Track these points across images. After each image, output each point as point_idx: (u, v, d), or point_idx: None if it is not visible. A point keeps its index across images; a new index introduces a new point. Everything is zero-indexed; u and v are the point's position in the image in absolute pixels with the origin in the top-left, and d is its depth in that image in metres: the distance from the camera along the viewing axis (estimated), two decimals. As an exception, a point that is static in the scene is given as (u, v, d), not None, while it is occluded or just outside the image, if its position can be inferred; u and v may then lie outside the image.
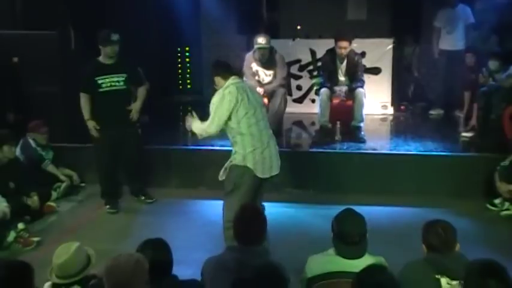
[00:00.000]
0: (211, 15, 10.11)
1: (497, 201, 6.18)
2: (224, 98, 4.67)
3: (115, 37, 6.06)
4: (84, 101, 6.17)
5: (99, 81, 6.11)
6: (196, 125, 4.99)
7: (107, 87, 6.13)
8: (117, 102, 6.23)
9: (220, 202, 6.25)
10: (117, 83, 6.18)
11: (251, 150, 4.71)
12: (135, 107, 6.44)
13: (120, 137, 6.27)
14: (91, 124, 6.16)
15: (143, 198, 6.67)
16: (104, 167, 6.42)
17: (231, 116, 4.67)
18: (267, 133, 4.89)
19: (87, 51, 6.54)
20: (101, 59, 6.18)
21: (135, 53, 8.93)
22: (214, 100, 4.75)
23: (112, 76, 6.15)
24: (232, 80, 4.79)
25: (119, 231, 5.86)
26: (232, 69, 5.01)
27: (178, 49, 10.93)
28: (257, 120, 4.77)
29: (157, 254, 3.08)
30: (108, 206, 6.43)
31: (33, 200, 6.10)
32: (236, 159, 4.79)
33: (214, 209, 6.25)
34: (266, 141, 4.80)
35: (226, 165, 4.93)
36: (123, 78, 6.21)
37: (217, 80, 4.86)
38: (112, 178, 6.51)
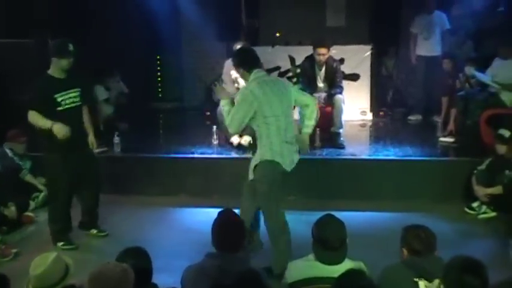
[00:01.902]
0: (191, 22, 10.10)
1: (475, 204, 6.25)
2: (246, 98, 4.50)
3: (72, 48, 5.29)
4: (35, 115, 5.22)
5: (59, 99, 5.29)
6: (225, 108, 4.71)
7: (66, 104, 5.34)
8: (77, 121, 5.49)
9: (201, 209, 6.32)
10: (75, 99, 5.42)
11: (278, 143, 4.59)
12: (92, 140, 5.70)
13: (81, 161, 5.55)
14: (59, 125, 5.15)
15: (95, 232, 5.89)
16: (64, 198, 5.58)
17: (255, 114, 4.53)
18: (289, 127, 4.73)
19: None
20: (53, 73, 5.36)
21: (115, 61, 8.97)
22: (238, 98, 4.59)
23: (69, 92, 5.36)
24: (255, 74, 4.64)
25: (98, 241, 5.81)
26: (256, 59, 4.82)
27: (158, 56, 10.92)
28: (279, 115, 4.59)
29: (137, 262, 3.07)
30: (62, 243, 5.58)
31: (11, 211, 6.03)
32: (263, 154, 4.64)
33: (195, 216, 6.30)
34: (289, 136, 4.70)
35: (253, 163, 4.74)
36: (78, 93, 5.46)
37: (240, 71, 4.73)
38: (69, 212, 5.70)
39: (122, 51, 9.00)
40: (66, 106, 5.35)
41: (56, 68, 5.34)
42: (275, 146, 4.57)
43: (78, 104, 5.48)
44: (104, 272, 2.70)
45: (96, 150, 6.11)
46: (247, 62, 4.71)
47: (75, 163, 5.46)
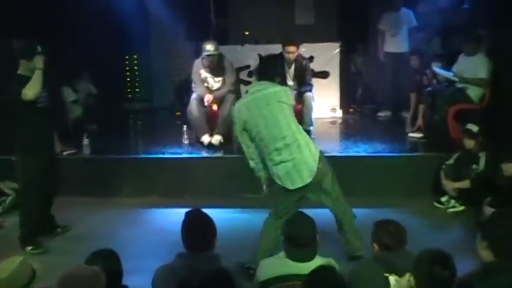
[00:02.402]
0: (160, 22, 10.05)
1: (443, 199, 6.33)
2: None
3: (40, 49, 5.24)
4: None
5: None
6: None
7: (41, 104, 5.32)
8: (50, 121, 5.58)
9: (173, 210, 6.28)
10: (47, 100, 5.42)
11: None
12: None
13: (51, 162, 5.61)
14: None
15: (59, 230, 5.93)
16: (38, 201, 5.56)
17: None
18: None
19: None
20: (24, 72, 5.28)
21: (84, 62, 8.87)
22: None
23: (43, 92, 5.31)
24: (253, 89, 4.78)
25: (68, 243, 5.73)
26: (266, 72, 4.90)
27: (127, 57, 10.83)
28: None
29: (106, 264, 3.04)
30: (31, 247, 5.50)
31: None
32: (317, 155, 4.65)
33: (167, 216, 6.26)
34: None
35: (316, 167, 4.59)
36: (48, 94, 5.48)
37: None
38: (41, 215, 5.68)
39: (90, 52, 8.90)
40: (40, 105, 5.32)
41: (25, 69, 5.28)
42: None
43: (48, 104, 5.46)
44: (74, 275, 2.67)
45: (65, 152, 6.05)
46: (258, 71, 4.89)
47: (47, 164, 5.47)
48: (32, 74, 5.22)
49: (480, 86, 7.17)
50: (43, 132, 5.45)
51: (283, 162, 4.52)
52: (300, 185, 4.51)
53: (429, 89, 7.81)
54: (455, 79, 7.32)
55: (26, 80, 5.22)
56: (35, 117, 5.30)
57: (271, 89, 4.67)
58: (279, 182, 4.55)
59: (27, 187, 5.58)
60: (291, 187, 4.52)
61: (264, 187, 4.83)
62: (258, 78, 4.79)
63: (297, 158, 4.51)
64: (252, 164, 4.77)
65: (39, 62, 5.20)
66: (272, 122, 4.55)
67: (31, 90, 5.13)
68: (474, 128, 6.20)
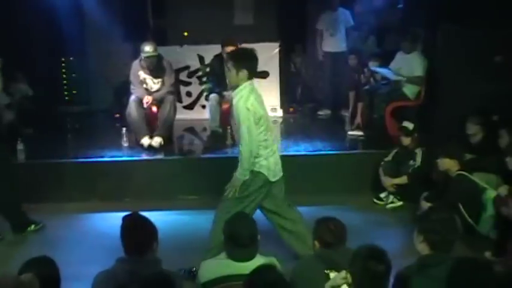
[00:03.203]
0: (96, 23, 9.84)
1: (382, 195, 6.46)
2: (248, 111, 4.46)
3: None
4: None
5: None
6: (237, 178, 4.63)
7: None
8: None
9: (113, 214, 6.16)
10: None
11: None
12: None
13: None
14: None
15: (33, 227, 5.94)
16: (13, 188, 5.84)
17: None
18: None
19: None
20: None
21: (17, 63, 8.59)
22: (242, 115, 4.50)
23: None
24: (250, 85, 4.61)
25: (5, 250, 5.55)
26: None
27: (63, 59, 10.57)
28: None
29: (42, 271, 2.94)
30: (33, 226, 5.90)
31: None
32: None
33: (107, 221, 6.13)
34: None
35: None
36: None
37: (240, 72, 4.53)
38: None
39: (25, 53, 8.66)
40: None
41: None
42: None
43: None
44: None
45: None
46: (254, 69, 4.65)
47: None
48: None
49: (416, 83, 7.36)
50: None
51: (274, 154, 4.72)
52: (278, 178, 4.75)
53: (367, 87, 7.97)
54: (394, 77, 7.46)
55: None
56: None
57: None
58: (266, 173, 4.62)
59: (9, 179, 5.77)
60: (272, 179, 4.68)
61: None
62: (253, 75, 4.64)
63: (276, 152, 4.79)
64: (251, 158, 4.58)
65: None
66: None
67: None
68: (410, 126, 6.35)
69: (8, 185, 5.77)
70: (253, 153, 4.51)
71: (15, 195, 5.86)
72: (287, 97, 9.68)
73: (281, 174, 4.81)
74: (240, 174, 4.57)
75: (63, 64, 10.54)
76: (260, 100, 4.65)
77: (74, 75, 10.60)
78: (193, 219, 6.22)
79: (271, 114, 9.09)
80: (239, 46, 7.48)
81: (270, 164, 4.65)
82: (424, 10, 7.76)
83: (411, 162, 6.27)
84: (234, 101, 4.60)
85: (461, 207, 5.13)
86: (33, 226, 5.92)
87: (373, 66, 7.91)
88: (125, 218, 3.40)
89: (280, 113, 9.30)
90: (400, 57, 7.52)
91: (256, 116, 4.46)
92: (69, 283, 3.24)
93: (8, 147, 5.69)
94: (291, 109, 9.68)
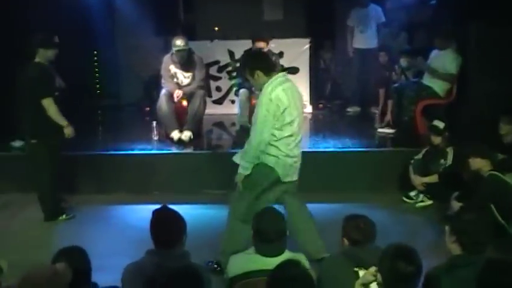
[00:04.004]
0: (127, 18, 9.92)
1: (412, 193, 6.40)
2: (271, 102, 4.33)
3: (57, 40, 5.79)
4: (52, 105, 5.74)
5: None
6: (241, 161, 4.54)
7: (57, 91, 5.83)
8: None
9: (141, 206, 6.23)
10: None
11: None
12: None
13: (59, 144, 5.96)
14: (70, 129, 5.86)
15: (64, 216, 6.11)
16: (55, 179, 5.99)
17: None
18: None
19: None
20: (43, 61, 5.77)
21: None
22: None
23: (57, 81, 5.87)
24: (276, 78, 4.46)
25: (35, 240, 5.63)
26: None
27: (95, 52, 10.69)
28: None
29: (74, 262, 2.99)
30: (64, 215, 6.09)
31: None
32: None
33: (135, 213, 6.20)
34: None
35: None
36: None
37: (256, 75, 4.49)
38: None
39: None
40: (57, 93, 5.83)
41: (43, 58, 5.73)
42: None
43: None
44: (32, 275, 2.65)
45: None
46: (265, 65, 4.57)
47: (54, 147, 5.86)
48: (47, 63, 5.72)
49: (448, 81, 7.25)
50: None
51: (295, 156, 4.60)
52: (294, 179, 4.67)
53: (396, 85, 7.88)
54: (424, 68, 7.35)
55: (47, 67, 5.77)
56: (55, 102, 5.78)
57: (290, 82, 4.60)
58: (279, 171, 4.53)
59: (44, 169, 5.93)
60: (288, 179, 4.61)
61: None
62: (269, 71, 4.52)
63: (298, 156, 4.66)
64: (257, 151, 4.47)
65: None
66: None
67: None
68: (440, 125, 6.27)
69: (51, 175, 5.92)
70: (261, 145, 4.39)
71: (54, 184, 6.00)
72: (316, 93, 9.66)
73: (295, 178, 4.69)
74: (243, 169, 4.49)
75: (95, 58, 10.67)
76: (291, 93, 4.45)
77: (105, 68, 10.72)
78: (220, 213, 6.22)
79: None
80: (269, 42, 7.51)
81: (287, 164, 4.55)
82: (456, 7, 7.65)
83: (442, 161, 6.19)
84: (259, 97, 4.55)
85: (493, 207, 5.04)
86: (64, 216, 6.07)
87: (403, 63, 7.82)
88: (155, 212, 3.42)
89: (309, 109, 9.27)
90: (434, 53, 7.41)
91: (279, 108, 4.33)
92: (97, 274, 3.27)
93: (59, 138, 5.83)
94: (320, 105, 9.66)
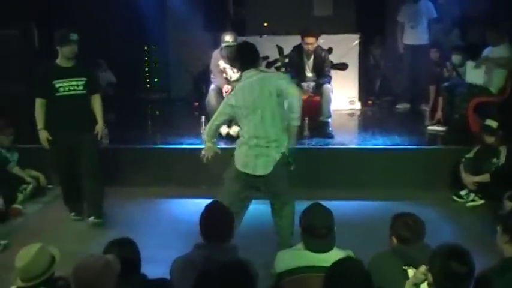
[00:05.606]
0: (177, 12, 10.05)
1: (463, 192, 6.28)
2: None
3: (74, 37, 5.58)
4: (39, 106, 5.67)
5: (57, 85, 5.59)
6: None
7: (65, 91, 5.62)
8: (76, 108, 5.71)
9: (189, 200, 6.31)
10: (76, 88, 5.67)
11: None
12: (100, 127, 5.99)
13: (77, 143, 5.76)
14: (44, 135, 5.68)
15: (92, 218, 5.92)
16: (62, 173, 6.00)
17: None
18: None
19: (51, 50, 6.36)
20: (58, 61, 5.68)
21: (101, 51, 8.90)
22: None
23: (71, 80, 5.64)
24: (247, 73, 4.67)
25: (87, 232, 5.78)
26: (254, 59, 4.81)
27: (146, 47, 10.86)
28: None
29: (124, 253, 3.07)
30: (73, 214, 6.08)
31: (-2, 203, 6.01)
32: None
33: (183, 207, 6.29)
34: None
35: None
36: (83, 83, 5.71)
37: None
38: (71, 184, 5.99)
39: (108, 42, 8.93)
40: (65, 93, 5.63)
41: (61, 57, 5.65)
42: None
43: (80, 92, 5.72)
44: (85, 264, 2.74)
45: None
46: (242, 61, 4.73)
47: (72, 144, 5.74)
48: (66, 63, 5.67)
49: (503, 67, 7.01)
50: (62, 116, 5.75)
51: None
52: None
53: (446, 84, 7.72)
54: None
55: (55, 67, 5.66)
56: (56, 102, 5.71)
57: (265, 74, 4.75)
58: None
59: (52, 163, 6.17)
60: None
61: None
62: (245, 66, 4.69)
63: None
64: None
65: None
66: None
67: None
68: (493, 124, 6.13)
69: (97, 174, 5.97)
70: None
71: (101, 182, 6.04)
72: (365, 90, 9.57)
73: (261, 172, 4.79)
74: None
75: (145, 52, 10.84)
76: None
77: (155, 63, 10.89)
78: (267, 208, 6.25)
79: (349, 106, 9.10)
80: (318, 37, 7.47)
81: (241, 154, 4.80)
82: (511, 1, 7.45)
83: (494, 160, 6.06)
84: None
85: (546, 208, 4.91)
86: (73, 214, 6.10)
87: (456, 60, 7.66)
88: (207, 206, 3.47)
89: (358, 105, 9.21)
90: (488, 50, 7.22)
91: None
92: (145, 266, 3.33)
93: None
94: (369, 102, 9.58)
